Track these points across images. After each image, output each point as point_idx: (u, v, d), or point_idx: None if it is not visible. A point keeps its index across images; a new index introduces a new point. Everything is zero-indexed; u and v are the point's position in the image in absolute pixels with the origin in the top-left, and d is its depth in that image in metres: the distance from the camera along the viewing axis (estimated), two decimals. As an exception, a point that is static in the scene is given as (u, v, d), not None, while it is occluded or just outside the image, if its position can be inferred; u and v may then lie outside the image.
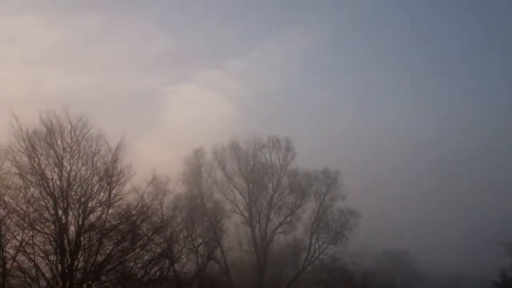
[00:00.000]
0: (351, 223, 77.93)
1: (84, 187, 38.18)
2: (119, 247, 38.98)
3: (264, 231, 78.13)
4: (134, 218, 40.29)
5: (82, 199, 37.95)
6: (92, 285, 37.84)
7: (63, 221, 37.01)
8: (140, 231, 40.98)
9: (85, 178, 38.41)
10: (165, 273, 43.61)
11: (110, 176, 39.06)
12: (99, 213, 38.64)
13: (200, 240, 56.32)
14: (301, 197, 78.76)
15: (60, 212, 37.09)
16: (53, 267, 36.44)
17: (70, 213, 37.45)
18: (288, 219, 78.36)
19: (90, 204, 38.36)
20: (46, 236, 36.72)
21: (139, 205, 40.60)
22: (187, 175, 78.23)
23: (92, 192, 38.45)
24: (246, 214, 79.20)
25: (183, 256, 49.99)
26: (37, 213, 36.84)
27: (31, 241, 36.23)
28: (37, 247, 36.36)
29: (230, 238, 74.28)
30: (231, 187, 79.93)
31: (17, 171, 37.24)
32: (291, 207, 78.53)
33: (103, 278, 38.77)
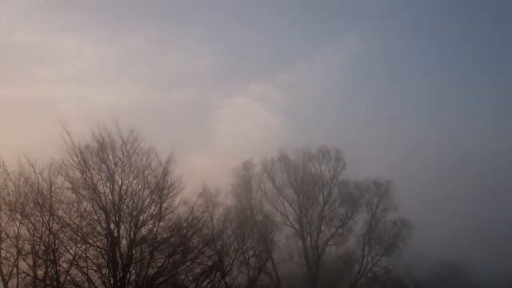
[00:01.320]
0: (404, 234, 76.37)
1: (135, 201, 38.52)
2: (171, 260, 39.09)
3: (316, 243, 77.29)
4: (185, 230, 40.41)
5: (134, 213, 38.28)
6: (144, 298, 38.03)
7: (115, 234, 37.36)
8: (191, 244, 41.06)
9: (136, 191, 38.76)
10: (216, 286, 43.45)
11: (161, 189, 39.29)
12: (150, 226, 38.90)
13: (251, 253, 56.02)
14: (353, 208, 77.65)
15: (112, 226, 37.47)
16: (106, 280, 36.78)
17: (122, 226, 37.81)
18: (340, 230, 77.32)
19: (141, 218, 38.64)
20: (98, 249, 37.12)
21: (190, 217, 40.71)
22: (236, 187, 78.19)
23: (143, 206, 38.75)
24: (297, 226, 78.58)
25: (234, 269, 49.70)
26: (89, 227, 37.32)
27: (84, 255, 36.65)
28: (90, 261, 36.74)
29: (281, 250, 73.76)
30: (281, 199, 79.50)
31: (70, 185, 37.87)
32: (343, 218, 77.51)
33: (155, 291, 38.91)
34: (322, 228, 77.99)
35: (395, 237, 76.42)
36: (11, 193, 38.03)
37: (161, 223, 39.19)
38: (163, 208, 39.14)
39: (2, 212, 37.49)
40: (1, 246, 36.87)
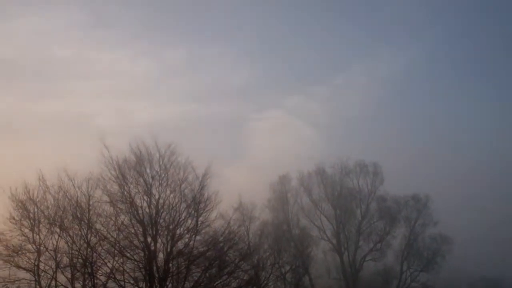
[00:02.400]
0: (444, 250, 75.09)
1: (172, 214, 38.61)
2: (207, 274, 38.94)
3: (353, 258, 76.49)
4: (221, 245, 40.25)
5: (171, 226, 38.34)
6: (181, 311, 37.96)
7: (152, 248, 37.45)
8: (227, 258, 40.87)
9: (173, 205, 38.86)
10: (252, 301, 43.23)
11: (198, 203, 39.34)
12: (187, 240, 38.90)
13: (287, 267, 55.73)
14: (391, 223, 76.70)
15: (149, 239, 37.59)
16: (143, 293, 36.84)
17: (159, 240, 37.89)
18: (378, 245, 76.42)
19: (178, 231, 38.69)
20: (135, 263, 37.22)
21: (226, 231, 40.59)
22: (273, 201, 78.08)
23: (180, 219, 38.81)
24: (334, 241, 77.93)
25: (270, 283, 49.44)
26: (127, 240, 37.47)
27: (121, 268, 36.79)
28: (127, 274, 36.86)
29: (318, 265, 73.14)
30: (318, 213, 79.07)
31: (108, 199, 38.14)
32: (381, 233, 76.64)
33: (192, 305, 38.81)
34: (360, 243, 77.27)
35: (434, 253, 75.29)
36: (50, 206, 38.39)
37: (198, 237, 39.20)
38: (199, 222, 39.18)
39: (41, 225, 37.86)
40: (40, 259, 37.20)
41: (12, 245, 36.61)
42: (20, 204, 37.65)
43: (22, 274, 36.59)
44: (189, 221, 39.11)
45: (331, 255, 77.86)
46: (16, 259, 36.45)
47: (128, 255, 37.25)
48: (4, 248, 36.34)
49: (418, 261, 75.86)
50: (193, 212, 39.10)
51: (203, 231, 39.69)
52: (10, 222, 37.08)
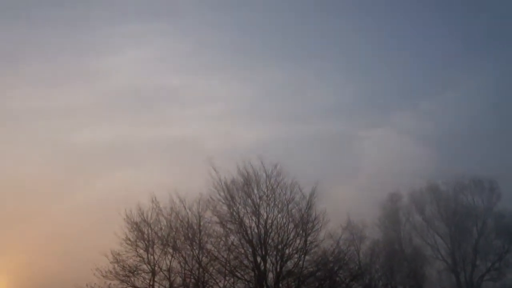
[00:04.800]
0: None
1: (280, 234, 38.70)
2: (317, 294, 38.66)
3: (470, 278, 73.13)
4: (331, 265, 39.83)
5: (279, 246, 38.42)
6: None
7: (262, 268, 37.66)
8: (337, 278, 40.37)
9: (281, 225, 38.97)
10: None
11: (305, 222, 39.21)
12: (296, 260, 38.80)
13: (400, 288, 54.16)
14: (510, 241, 72.72)
15: (258, 259, 37.88)
16: (254, 313, 37.06)
17: (268, 260, 38.06)
18: (496, 265, 72.60)
19: (287, 251, 38.71)
20: (246, 282, 37.62)
21: (336, 251, 40.11)
22: (383, 219, 76.29)
23: (289, 239, 38.81)
24: (449, 260, 74.89)
25: (383, 304, 48.29)
26: (237, 260, 37.98)
27: (232, 288, 37.27)
28: (238, 294, 37.28)
29: (433, 285, 70.49)
30: (431, 232, 76.35)
31: (217, 219, 38.98)
32: (499, 252, 72.79)
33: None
34: (477, 262, 73.71)
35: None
36: (163, 227, 39.76)
37: (307, 257, 38.98)
38: (308, 242, 38.98)
39: (155, 246, 39.17)
40: (155, 279, 38.44)
41: (128, 265, 38.18)
42: (135, 225, 39.26)
43: (138, 294, 38.03)
44: (298, 241, 39.01)
45: (446, 275, 74.83)
46: (132, 279, 37.98)
47: (239, 275, 37.72)
48: (121, 269, 37.92)
49: (541, 281, 71.35)
50: (301, 232, 38.99)
51: (312, 251, 39.45)
52: (126, 243, 38.72)
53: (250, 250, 38.08)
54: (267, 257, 38.04)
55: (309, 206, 39.42)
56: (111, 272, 37.59)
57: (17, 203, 74.07)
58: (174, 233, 39.32)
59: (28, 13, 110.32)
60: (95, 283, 37.16)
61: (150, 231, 39.36)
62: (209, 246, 38.44)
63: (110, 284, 37.52)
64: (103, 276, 37.31)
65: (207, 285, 37.24)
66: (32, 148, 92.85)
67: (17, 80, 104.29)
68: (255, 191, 39.26)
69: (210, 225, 39.38)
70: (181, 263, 38.68)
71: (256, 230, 38.46)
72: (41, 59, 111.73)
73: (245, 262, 38.06)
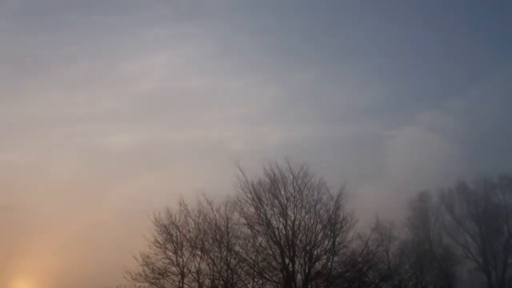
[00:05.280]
0: None
1: (308, 235, 38.61)
2: (346, 295, 38.48)
3: (502, 278, 72.12)
4: (360, 265, 39.62)
5: (307, 247, 38.33)
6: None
7: (290, 269, 37.61)
8: (366, 279, 40.19)
9: (309, 226, 38.89)
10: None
11: (333, 223, 39.07)
12: (324, 261, 38.69)
13: (431, 288, 53.60)
14: (542, 240, 71.68)
15: (287, 261, 37.85)
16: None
17: (297, 261, 38.00)
18: (528, 264, 71.56)
19: (315, 252, 38.59)
20: (274, 284, 37.62)
21: (364, 252, 39.88)
22: (412, 219, 75.65)
23: (317, 240, 38.72)
24: (480, 260, 74.00)
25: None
26: (265, 262, 37.99)
27: (261, 289, 37.27)
28: (266, 295, 37.28)
29: (464, 285, 69.65)
30: (461, 231, 75.53)
31: (245, 221, 39.03)
32: (531, 250, 71.74)
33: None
34: (508, 261, 72.69)
35: None
36: (191, 230, 39.96)
37: (335, 258, 38.83)
38: (336, 243, 38.82)
39: (184, 248, 39.38)
40: (184, 281, 38.64)
41: (158, 268, 38.46)
42: (163, 228, 39.53)
43: (168, 296, 38.27)
44: (326, 242, 38.91)
45: (477, 274, 73.91)
46: (161, 281, 38.25)
47: (267, 276, 37.73)
48: (151, 271, 38.21)
49: None
50: (329, 232, 38.87)
51: (341, 251, 39.28)
52: (155, 246, 39.01)
53: (278, 251, 38.06)
54: (296, 258, 37.98)
55: (337, 206, 39.25)
56: (140, 274, 37.90)
57: (49, 207, 75.39)
58: (202, 235, 39.49)
59: (60, 18, 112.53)
60: (124, 286, 37.50)
61: (178, 233, 39.60)
62: (237, 248, 38.52)
63: (140, 286, 37.85)
64: (132, 278, 37.63)
65: (236, 287, 37.31)
66: (62, 153, 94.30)
67: (47, 86, 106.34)
68: (282, 192, 39.26)
69: (237, 226, 39.50)
70: (210, 265, 38.80)
71: (283, 232, 38.42)
72: (71, 65, 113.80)
73: (273, 263, 38.05)
